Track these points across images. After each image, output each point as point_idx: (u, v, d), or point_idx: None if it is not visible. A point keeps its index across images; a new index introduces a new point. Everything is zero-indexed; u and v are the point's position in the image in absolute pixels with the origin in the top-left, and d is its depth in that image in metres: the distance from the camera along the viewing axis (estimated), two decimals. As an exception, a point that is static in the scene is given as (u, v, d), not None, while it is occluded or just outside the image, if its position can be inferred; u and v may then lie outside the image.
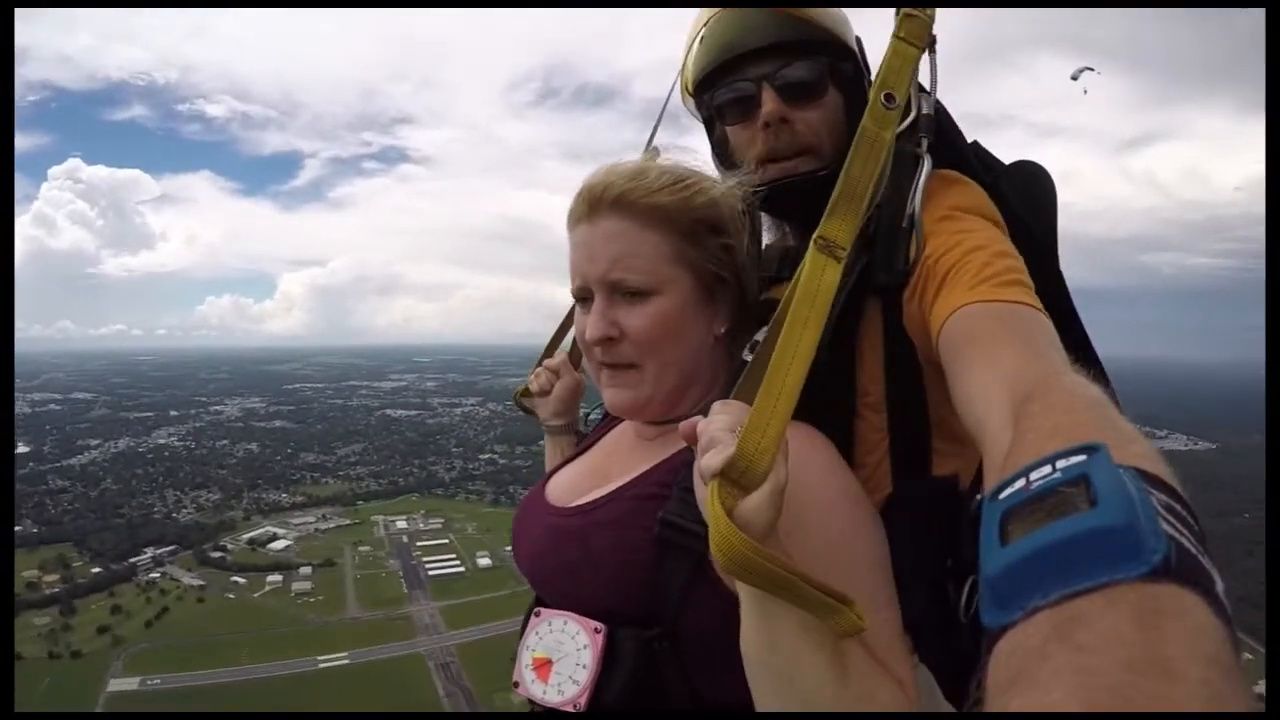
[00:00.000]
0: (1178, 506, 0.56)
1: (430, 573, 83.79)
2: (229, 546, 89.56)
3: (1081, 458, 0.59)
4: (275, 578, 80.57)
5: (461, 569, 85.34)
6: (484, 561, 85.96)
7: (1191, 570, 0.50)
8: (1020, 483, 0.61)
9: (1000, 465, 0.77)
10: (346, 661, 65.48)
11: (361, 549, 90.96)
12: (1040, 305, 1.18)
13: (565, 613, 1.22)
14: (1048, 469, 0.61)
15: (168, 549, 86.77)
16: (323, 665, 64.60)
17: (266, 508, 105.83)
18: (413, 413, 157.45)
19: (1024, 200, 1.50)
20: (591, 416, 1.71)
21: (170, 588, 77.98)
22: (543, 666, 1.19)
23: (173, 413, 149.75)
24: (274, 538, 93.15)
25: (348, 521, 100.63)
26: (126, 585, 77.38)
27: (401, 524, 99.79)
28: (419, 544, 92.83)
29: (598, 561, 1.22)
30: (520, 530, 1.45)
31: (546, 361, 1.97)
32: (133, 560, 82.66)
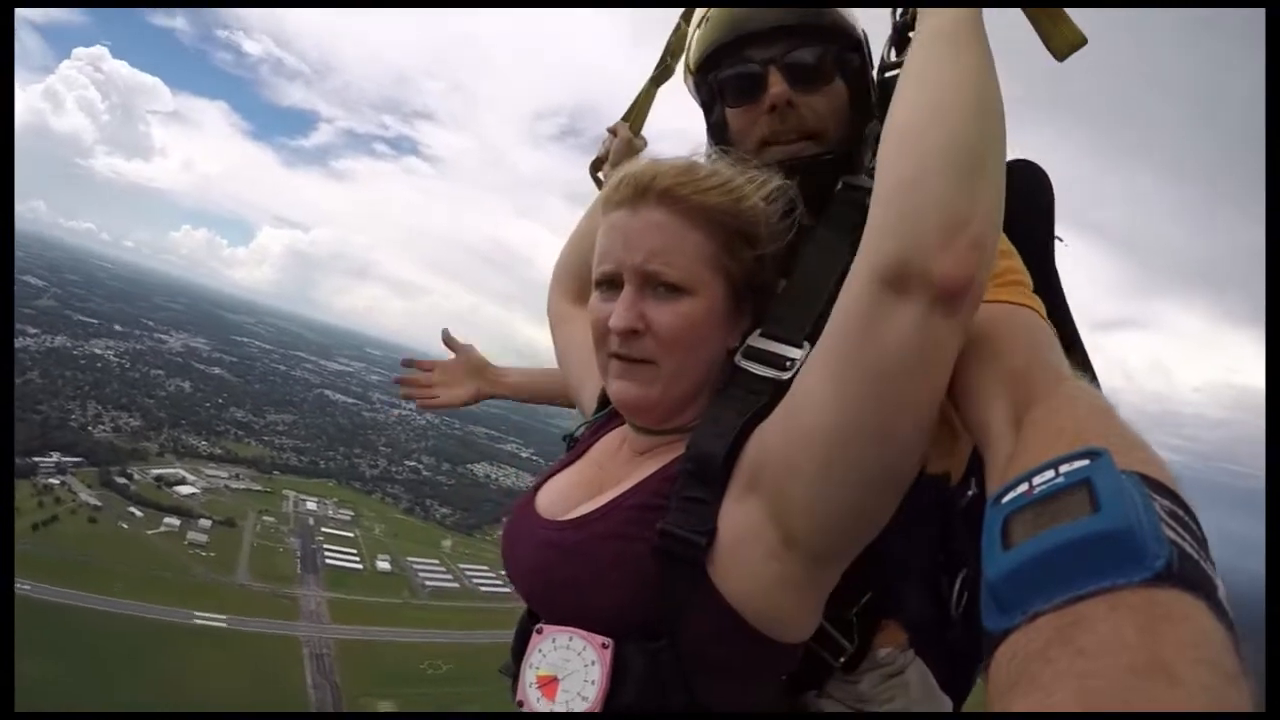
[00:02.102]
0: (1180, 512, 0.57)
1: (328, 561, 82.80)
2: (135, 476, 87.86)
3: (1084, 462, 0.60)
4: (173, 521, 79.05)
5: (359, 566, 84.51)
6: (383, 565, 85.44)
7: (1194, 575, 0.51)
8: (1023, 487, 0.62)
9: (1003, 469, 0.78)
10: (223, 625, 64.28)
11: (266, 518, 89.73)
12: (1040, 308, 1.19)
13: (570, 629, 1.18)
14: (1050, 473, 0.62)
15: (74, 459, 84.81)
16: (198, 621, 63.29)
17: (183, 450, 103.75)
18: (351, 400, 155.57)
19: (1021, 199, 1.44)
20: (577, 433, 1.66)
21: (66, 498, 76.22)
22: (548, 684, 1.16)
23: (117, 327, 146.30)
24: (182, 481, 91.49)
25: (259, 488, 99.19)
26: (23, 482, 74.92)
27: (312, 505, 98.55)
28: (324, 530, 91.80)
29: (600, 575, 1.18)
30: (511, 544, 1.40)
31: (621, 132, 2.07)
32: (36, 459, 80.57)
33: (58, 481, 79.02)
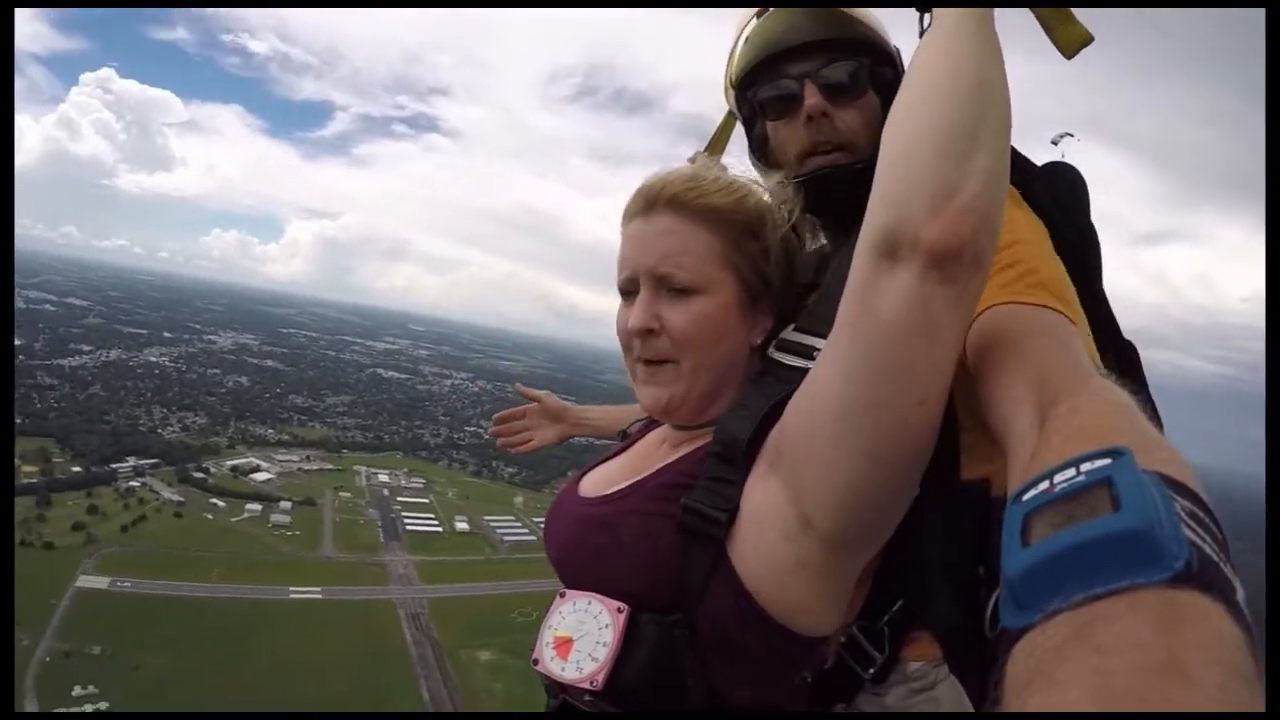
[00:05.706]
0: (1200, 513, 0.57)
1: (408, 527, 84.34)
2: (211, 470, 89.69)
3: (1106, 461, 0.60)
4: (254, 506, 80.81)
5: (439, 529, 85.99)
6: (462, 526, 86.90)
7: (1213, 577, 0.50)
8: (1044, 484, 0.62)
9: (1025, 467, 0.77)
10: (319, 596, 65.78)
11: (342, 494, 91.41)
12: (1069, 310, 1.19)
13: (589, 593, 1.23)
14: (1072, 472, 0.61)
15: (150, 461, 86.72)
16: (294, 596, 64.92)
17: (251, 440, 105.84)
18: (403, 376, 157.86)
19: (1058, 204, 1.52)
20: (630, 430, 1.77)
21: (149, 498, 78.02)
22: (563, 645, 1.20)
23: (166, 334, 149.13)
24: (257, 468, 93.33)
25: (330, 467, 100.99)
26: (105, 489, 77.32)
27: (384, 477, 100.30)
28: (399, 499, 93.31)
29: (625, 548, 1.23)
30: (551, 522, 1.48)
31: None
32: (114, 466, 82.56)
33: (138, 484, 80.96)
